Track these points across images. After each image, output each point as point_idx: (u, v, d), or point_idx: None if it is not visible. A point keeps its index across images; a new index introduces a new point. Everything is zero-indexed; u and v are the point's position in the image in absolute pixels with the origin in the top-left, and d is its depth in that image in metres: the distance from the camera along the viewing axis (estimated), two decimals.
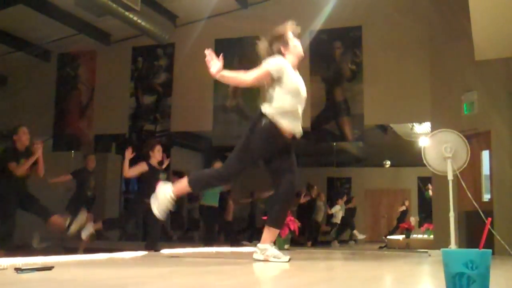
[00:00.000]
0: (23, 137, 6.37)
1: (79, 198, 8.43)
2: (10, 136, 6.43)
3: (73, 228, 6.83)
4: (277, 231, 4.16)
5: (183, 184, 4.07)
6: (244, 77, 3.93)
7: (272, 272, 3.37)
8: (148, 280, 2.66)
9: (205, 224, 9.03)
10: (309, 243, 11.81)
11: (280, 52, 4.04)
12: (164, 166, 7.37)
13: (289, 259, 3.90)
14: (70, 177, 8.36)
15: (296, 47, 4.08)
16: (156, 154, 7.01)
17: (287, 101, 3.91)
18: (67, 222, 6.83)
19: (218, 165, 8.52)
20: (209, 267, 3.63)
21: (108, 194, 12.61)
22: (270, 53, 4.04)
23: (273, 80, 3.91)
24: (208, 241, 8.32)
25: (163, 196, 4.03)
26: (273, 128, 3.87)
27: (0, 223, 6.20)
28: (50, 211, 6.46)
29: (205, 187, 4.27)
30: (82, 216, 6.94)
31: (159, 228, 7.15)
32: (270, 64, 3.92)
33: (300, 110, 4.02)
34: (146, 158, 6.99)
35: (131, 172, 6.94)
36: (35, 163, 6.37)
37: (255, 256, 4.00)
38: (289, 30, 4.09)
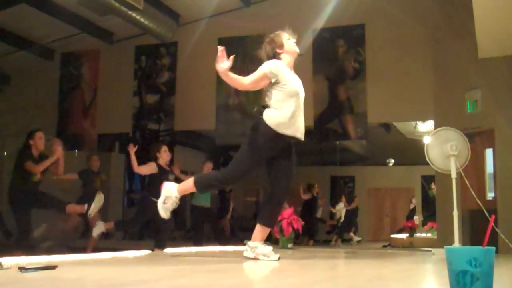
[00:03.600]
0: (38, 142, 6.34)
1: (85, 199, 8.44)
2: (26, 141, 6.38)
3: (93, 209, 6.80)
4: (268, 229, 4.22)
5: (189, 184, 4.12)
6: (243, 81, 4.01)
7: (274, 271, 3.37)
8: (151, 279, 2.66)
9: (193, 224, 9.07)
10: (311, 242, 11.81)
11: (276, 55, 4.12)
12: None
13: (279, 258, 3.92)
14: (76, 177, 8.37)
15: (289, 44, 4.14)
16: (163, 155, 7.14)
17: (287, 104, 3.96)
18: (85, 207, 6.83)
19: (208, 165, 8.56)
20: (211, 266, 3.63)
21: (112, 193, 12.62)
22: (270, 57, 4.12)
23: (271, 83, 3.97)
24: (197, 241, 8.33)
25: (169, 196, 4.06)
26: (274, 133, 3.92)
27: (16, 224, 6.21)
28: (63, 201, 6.50)
29: (210, 188, 4.31)
30: (100, 196, 6.92)
31: (169, 228, 7.22)
32: (265, 66, 3.99)
33: (301, 112, 4.06)
34: (154, 159, 7.09)
35: (142, 169, 7.06)
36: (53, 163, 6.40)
37: (245, 253, 4.06)
38: (283, 34, 4.17)
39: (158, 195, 6.76)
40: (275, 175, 4.08)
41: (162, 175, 7.00)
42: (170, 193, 4.08)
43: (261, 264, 3.71)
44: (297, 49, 4.18)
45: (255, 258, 3.94)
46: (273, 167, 4.09)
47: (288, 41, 4.15)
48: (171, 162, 8.72)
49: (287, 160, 4.09)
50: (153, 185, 7.25)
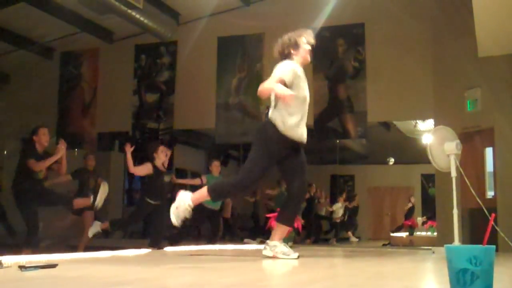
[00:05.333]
0: (42, 138, 6.32)
1: (83, 196, 8.46)
2: (30, 137, 6.38)
3: (99, 200, 6.81)
4: (288, 228, 4.27)
5: (203, 193, 4.13)
6: (267, 88, 3.91)
7: (275, 270, 3.38)
8: (152, 277, 2.66)
9: (193, 219, 9.09)
10: (308, 241, 11.82)
11: (289, 54, 4.11)
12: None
13: (298, 257, 3.95)
14: (69, 178, 8.34)
15: (305, 51, 4.15)
16: (160, 155, 7.17)
17: (297, 110, 3.99)
18: (91, 199, 6.85)
19: (216, 164, 8.56)
20: (212, 265, 3.63)
21: (111, 191, 12.60)
22: (283, 54, 4.12)
23: (286, 86, 3.92)
24: (188, 239, 8.36)
25: (182, 204, 4.07)
26: (282, 135, 3.96)
27: (25, 222, 6.18)
28: (69, 195, 6.50)
29: (225, 196, 4.26)
30: (104, 187, 6.94)
31: (164, 227, 7.22)
32: (282, 72, 3.95)
33: (306, 117, 4.11)
34: (151, 160, 7.12)
35: (138, 170, 7.08)
36: (56, 162, 6.39)
37: (264, 252, 4.08)
38: (304, 35, 4.18)
39: (153, 196, 6.84)
40: (289, 176, 4.14)
41: (158, 176, 7.06)
42: (183, 201, 4.08)
43: (261, 263, 3.71)
44: (309, 59, 4.20)
45: (274, 257, 3.97)
46: (285, 168, 4.15)
47: (304, 46, 4.14)
48: (171, 161, 8.73)
49: (297, 158, 4.12)
50: (148, 186, 7.31)
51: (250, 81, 10.04)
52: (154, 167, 7.11)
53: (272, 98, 4.05)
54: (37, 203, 6.25)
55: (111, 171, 12.58)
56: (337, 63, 10.20)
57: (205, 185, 8.43)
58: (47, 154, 6.38)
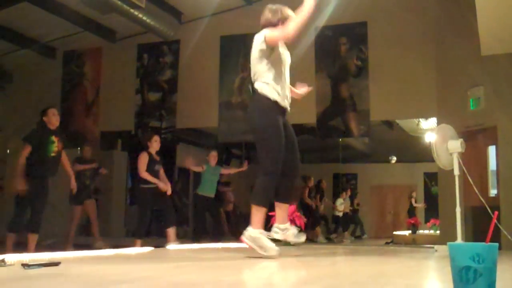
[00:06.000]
0: (52, 118, 6.53)
1: (79, 188, 8.57)
2: (40, 119, 6.58)
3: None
4: (287, 206, 4.23)
5: (255, 213, 3.95)
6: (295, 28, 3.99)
7: (277, 267, 3.38)
8: (154, 275, 2.67)
9: (196, 213, 9.21)
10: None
11: (276, 26, 4.13)
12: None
13: (306, 238, 3.95)
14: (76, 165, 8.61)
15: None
16: (154, 144, 7.47)
17: (278, 73, 4.04)
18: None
19: (214, 154, 8.67)
20: (214, 262, 3.64)
21: (115, 190, 12.64)
22: (272, 24, 4.15)
23: (266, 52, 4.02)
24: (197, 232, 8.43)
25: (257, 238, 3.88)
26: (275, 102, 3.96)
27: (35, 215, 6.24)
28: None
29: (269, 193, 4.07)
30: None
31: (147, 220, 7.61)
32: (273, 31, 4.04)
33: (288, 79, 4.15)
34: (145, 148, 7.46)
35: (143, 172, 7.26)
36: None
37: (275, 236, 4.04)
38: (288, 9, 4.25)
39: (146, 181, 7.00)
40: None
41: (150, 164, 7.27)
42: (254, 236, 3.88)
43: (262, 261, 3.71)
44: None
45: (284, 240, 4.02)
46: None
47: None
48: (172, 161, 8.80)
49: (286, 130, 4.07)
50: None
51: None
52: (149, 154, 7.36)
53: (254, 71, 4.08)
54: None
55: (114, 170, 12.59)
56: (340, 62, 10.19)
57: (203, 175, 8.60)
58: (58, 131, 6.61)
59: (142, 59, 11.55)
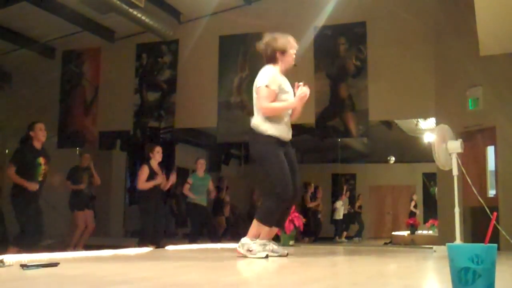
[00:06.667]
0: (39, 134, 6.28)
1: (77, 195, 8.59)
2: (27, 133, 6.34)
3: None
4: (276, 230, 4.35)
5: (255, 227, 4.05)
6: (270, 109, 4.10)
7: (276, 268, 3.38)
8: (153, 276, 2.67)
9: (190, 221, 9.18)
10: (307, 239, 11.82)
11: (273, 58, 4.16)
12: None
13: (267, 256, 3.91)
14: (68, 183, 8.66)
15: (290, 55, 4.20)
16: (156, 156, 7.49)
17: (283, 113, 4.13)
18: None
19: (201, 161, 8.72)
20: (213, 263, 3.64)
21: (113, 190, 12.64)
22: (267, 56, 4.19)
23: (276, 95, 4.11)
24: (192, 238, 8.37)
25: (246, 243, 3.99)
26: (273, 136, 4.03)
27: (28, 223, 6.12)
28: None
29: (275, 215, 4.09)
30: None
31: (151, 225, 7.38)
32: (268, 82, 4.06)
33: (289, 116, 4.21)
34: (147, 160, 7.48)
35: (143, 182, 7.27)
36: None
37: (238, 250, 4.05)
38: (291, 40, 4.21)
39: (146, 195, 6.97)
40: None
41: (151, 177, 7.28)
42: (244, 242, 3.99)
43: (262, 262, 3.71)
44: (293, 62, 4.25)
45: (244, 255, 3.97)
46: None
47: (291, 51, 4.18)
48: (171, 161, 8.81)
49: (288, 156, 4.11)
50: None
51: (252, 80, 9.93)
52: (150, 167, 7.36)
53: (255, 104, 4.15)
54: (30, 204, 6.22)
55: (113, 170, 12.60)
56: (339, 61, 10.18)
57: (191, 185, 8.58)
58: (44, 150, 6.40)
59: (141, 59, 11.53)
